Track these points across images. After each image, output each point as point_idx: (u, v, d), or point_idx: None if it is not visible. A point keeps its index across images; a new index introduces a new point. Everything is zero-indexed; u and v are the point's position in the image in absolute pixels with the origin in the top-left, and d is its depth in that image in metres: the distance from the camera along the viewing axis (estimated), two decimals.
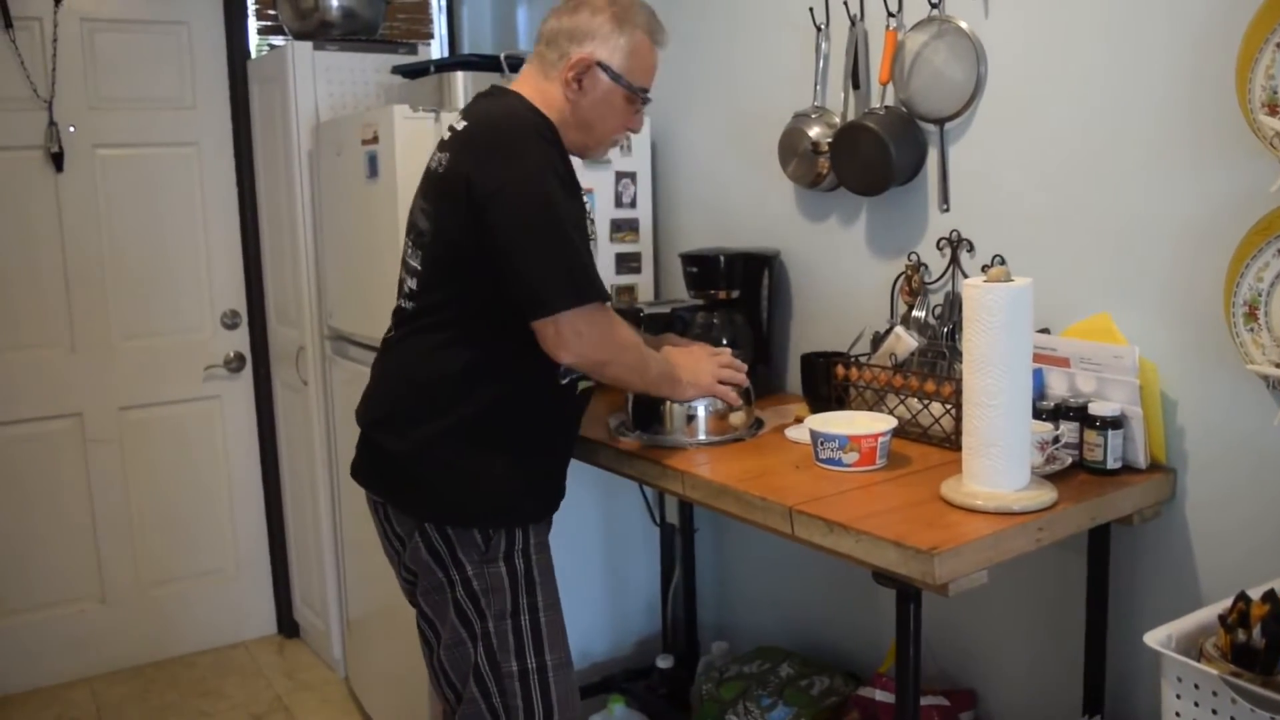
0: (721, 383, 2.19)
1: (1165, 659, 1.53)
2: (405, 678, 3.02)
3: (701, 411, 2.21)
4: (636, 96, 2.03)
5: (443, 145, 1.99)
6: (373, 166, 2.86)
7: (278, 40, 3.78)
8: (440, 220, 1.93)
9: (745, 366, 2.24)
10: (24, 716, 3.47)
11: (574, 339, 1.87)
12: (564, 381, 2.03)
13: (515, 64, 2.96)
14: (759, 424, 2.33)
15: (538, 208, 1.84)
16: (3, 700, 3.55)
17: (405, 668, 3.00)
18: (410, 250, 2.02)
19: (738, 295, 2.70)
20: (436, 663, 2.09)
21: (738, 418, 2.25)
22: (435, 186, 1.96)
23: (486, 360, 1.95)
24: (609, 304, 1.95)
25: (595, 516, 3.14)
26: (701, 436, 2.22)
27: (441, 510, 2.00)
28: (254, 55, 3.76)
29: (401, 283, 2.07)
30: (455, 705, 2.06)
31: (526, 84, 2.02)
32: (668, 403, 2.20)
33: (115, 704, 3.53)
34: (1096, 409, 1.91)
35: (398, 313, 2.08)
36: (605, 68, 1.98)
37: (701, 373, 2.16)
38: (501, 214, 1.83)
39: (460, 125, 1.97)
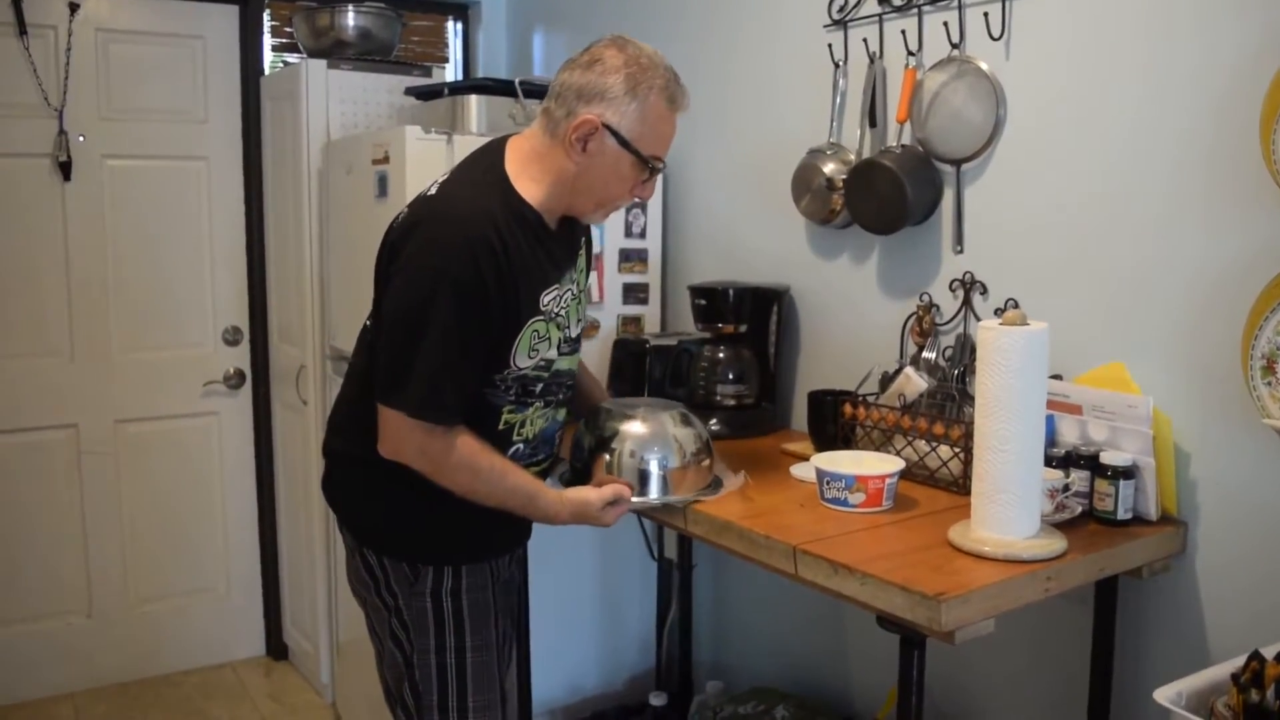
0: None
1: (1175, 717, 1.49)
2: None
3: (655, 468, 2.00)
4: (646, 165, 1.91)
5: (413, 200, 1.93)
6: (383, 186, 2.84)
7: (292, 58, 3.78)
8: (378, 273, 1.93)
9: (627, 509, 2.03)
10: None
11: (396, 440, 1.83)
12: (522, 464, 1.99)
13: (530, 89, 2.95)
14: (717, 485, 2.11)
15: (415, 304, 1.78)
16: None
17: None
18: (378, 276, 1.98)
19: (746, 330, 2.68)
20: (381, 672, 2.10)
21: (696, 478, 2.06)
22: (388, 234, 1.92)
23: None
24: (454, 429, 1.83)
25: (592, 549, 3.11)
26: (653, 495, 2.00)
27: (374, 539, 2.00)
28: (268, 72, 3.75)
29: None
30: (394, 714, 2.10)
31: (527, 142, 1.93)
32: (609, 458, 2.02)
33: None
34: (1108, 458, 1.89)
35: (362, 335, 2.04)
36: (613, 132, 1.84)
37: (594, 519, 1.98)
38: (390, 291, 1.83)
39: (434, 189, 1.91)
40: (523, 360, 1.91)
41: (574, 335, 2.04)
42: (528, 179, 1.89)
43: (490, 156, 1.94)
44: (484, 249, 1.78)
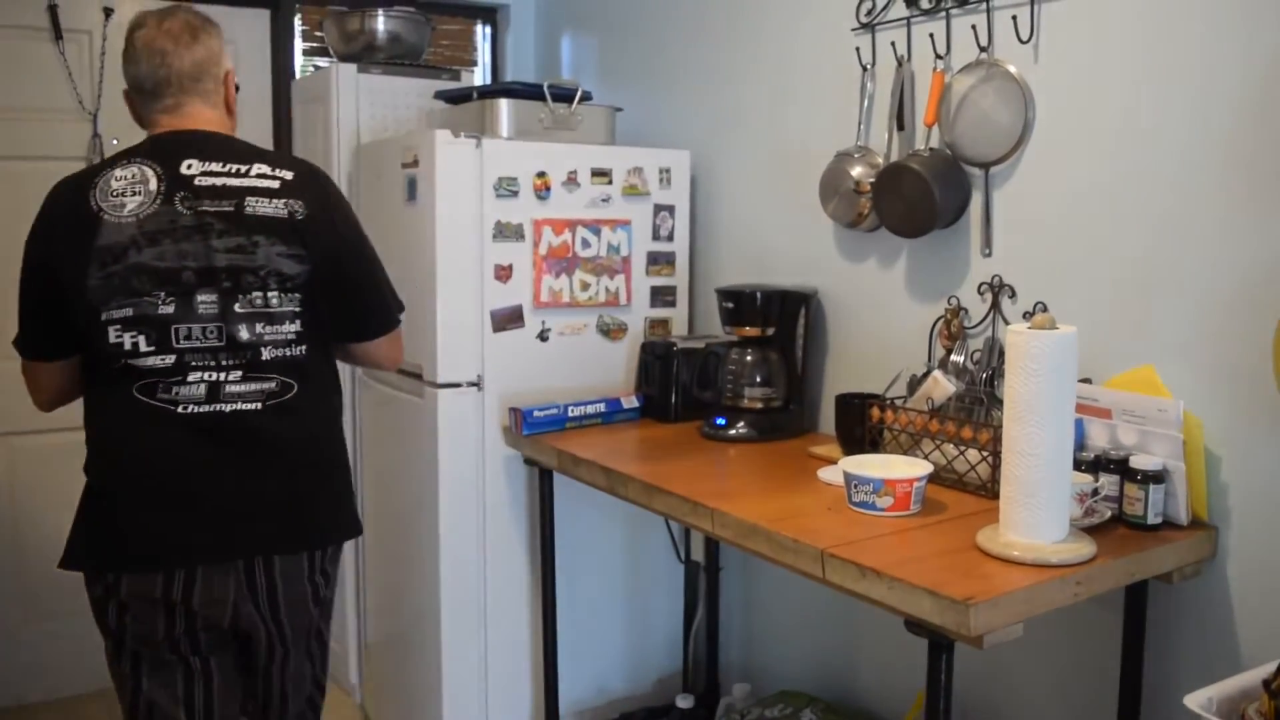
0: None
1: None
2: (421, 705, 2.99)
3: None
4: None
5: (275, 193, 1.95)
6: (412, 190, 2.86)
7: (323, 62, 3.81)
8: (318, 258, 1.96)
9: None
10: None
11: (402, 343, 2.22)
12: None
13: (559, 93, 2.96)
14: None
15: (367, 240, 2.11)
16: (21, 710, 3.54)
17: (421, 695, 2.97)
18: (273, 297, 1.93)
19: (773, 332, 2.68)
20: (288, 696, 2.12)
21: None
22: (296, 229, 1.94)
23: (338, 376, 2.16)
24: None
25: (619, 550, 3.12)
26: None
27: (355, 523, 2.16)
28: (299, 75, 3.78)
29: (244, 340, 1.93)
30: None
31: (218, 125, 2.05)
32: None
33: None
34: (1138, 462, 1.88)
35: (273, 364, 1.96)
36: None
37: None
38: (354, 249, 2.06)
39: (286, 174, 1.97)
40: None
41: None
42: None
43: (237, 139, 2.08)
44: None
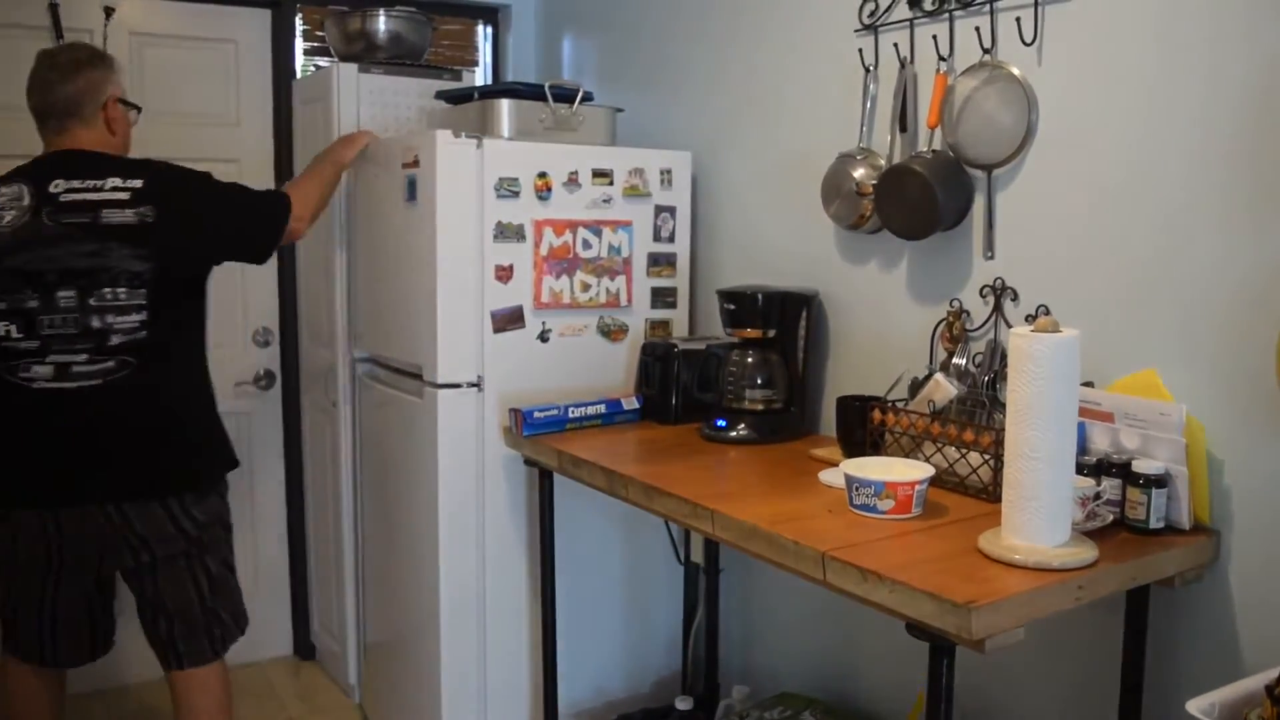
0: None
1: None
2: (420, 706, 2.98)
3: None
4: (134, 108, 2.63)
5: (126, 203, 2.37)
6: (412, 190, 2.85)
7: (323, 61, 3.80)
8: (166, 255, 2.40)
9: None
10: None
11: (301, 211, 2.76)
12: None
13: (560, 93, 2.96)
14: None
15: (225, 187, 2.60)
16: None
17: (420, 696, 2.97)
18: (122, 293, 2.37)
19: (774, 334, 2.67)
20: (176, 616, 2.63)
21: None
22: (145, 232, 2.37)
23: (201, 347, 2.60)
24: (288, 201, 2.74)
25: (618, 551, 3.11)
26: None
27: (221, 465, 2.63)
28: (299, 75, 3.77)
29: (96, 328, 2.36)
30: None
31: (95, 142, 2.48)
32: None
33: (127, 719, 3.50)
34: (1140, 466, 1.87)
35: (120, 348, 2.38)
36: (121, 100, 2.56)
37: (346, 148, 3.05)
38: (213, 201, 2.55)
39: (135, 183, 2.40)
40: None
41: None
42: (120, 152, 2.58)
43: (102, 154, 2.49)
44: None
